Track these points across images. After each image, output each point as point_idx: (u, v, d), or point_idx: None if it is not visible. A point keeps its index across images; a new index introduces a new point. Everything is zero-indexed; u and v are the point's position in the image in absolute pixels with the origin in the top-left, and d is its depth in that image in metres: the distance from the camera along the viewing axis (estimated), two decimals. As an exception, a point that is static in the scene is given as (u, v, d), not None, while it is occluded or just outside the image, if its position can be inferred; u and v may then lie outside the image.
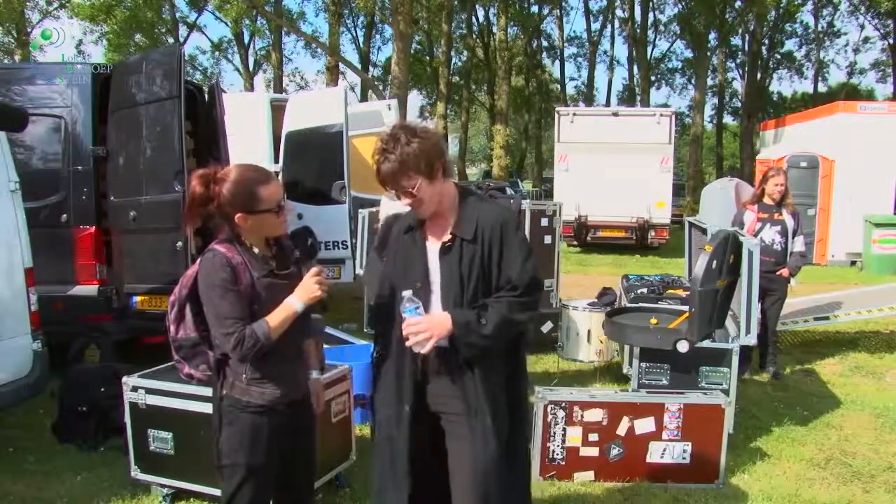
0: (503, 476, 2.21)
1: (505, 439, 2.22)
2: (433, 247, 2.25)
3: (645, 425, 3.61)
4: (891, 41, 30.21)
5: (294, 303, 2.15)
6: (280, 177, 6.99)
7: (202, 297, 2.17)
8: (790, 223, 5.54)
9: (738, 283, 3.96)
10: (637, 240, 13.78)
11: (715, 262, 3.62)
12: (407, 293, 2.13)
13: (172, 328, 2.33)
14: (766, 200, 5.57)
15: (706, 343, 3.93)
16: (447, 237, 2.21)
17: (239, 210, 2.14)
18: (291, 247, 2.37)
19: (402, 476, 2.25)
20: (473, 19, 32.37)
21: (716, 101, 34.81)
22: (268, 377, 2.20)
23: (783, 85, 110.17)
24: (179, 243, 4.88)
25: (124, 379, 3.44)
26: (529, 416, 2.36)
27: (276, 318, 2.13)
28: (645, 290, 5.55)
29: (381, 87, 27.04)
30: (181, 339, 2.33)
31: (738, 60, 34.07)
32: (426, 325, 2.11)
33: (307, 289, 2.16)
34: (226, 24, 27.80)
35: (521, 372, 2.37)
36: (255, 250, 2.21)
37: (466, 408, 2.18)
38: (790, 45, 33.85)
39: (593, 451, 3.63)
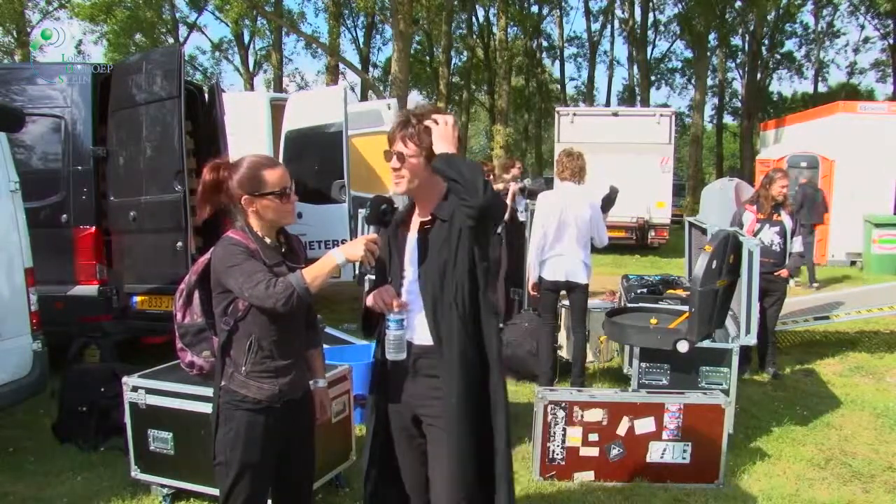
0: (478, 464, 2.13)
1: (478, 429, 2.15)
2: (413, 237, 2.24)
3: (645, 425, 3.61)
4: (891, 41, 30.18)
5: (336, 255, 2.10)
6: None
7: (223, 278, 2.14)
8: (788, 224, 5.55)
9: (737, 283, 3.96)
10: (637, 240, 13.78)
11: (715, 262, 3.62)
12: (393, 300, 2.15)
13: (179, 315, 2.33)
14: (768, 202, 5.56)
15: (706, 343, 3.93)
16: (427, 218, 2.21)
17: (244, 192, 2.17)
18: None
19: (372, 465, 2.30)
20: (473, 19, 32.32)
21: (716, 101, 34.76)
22: (267, 372, 2.20)
23: (783, 85, 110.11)
24: (179, 243, 4.88)
25: (124, 379, 3.44)
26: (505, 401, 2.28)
27: (313, 269, 2.10)
28: (645, 290, 5.55)
29: (381, 87, 27.02)
30: (187, 325, 2.33)
31: (738, 60, 34.02)
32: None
33: (354, 245, 2.10)
34: (226, 24, 27.81)
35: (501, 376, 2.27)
36: (267, 240, 2.23)
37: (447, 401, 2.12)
38: (790, 45, 33.84)
39: (593, 451, 3.63)
